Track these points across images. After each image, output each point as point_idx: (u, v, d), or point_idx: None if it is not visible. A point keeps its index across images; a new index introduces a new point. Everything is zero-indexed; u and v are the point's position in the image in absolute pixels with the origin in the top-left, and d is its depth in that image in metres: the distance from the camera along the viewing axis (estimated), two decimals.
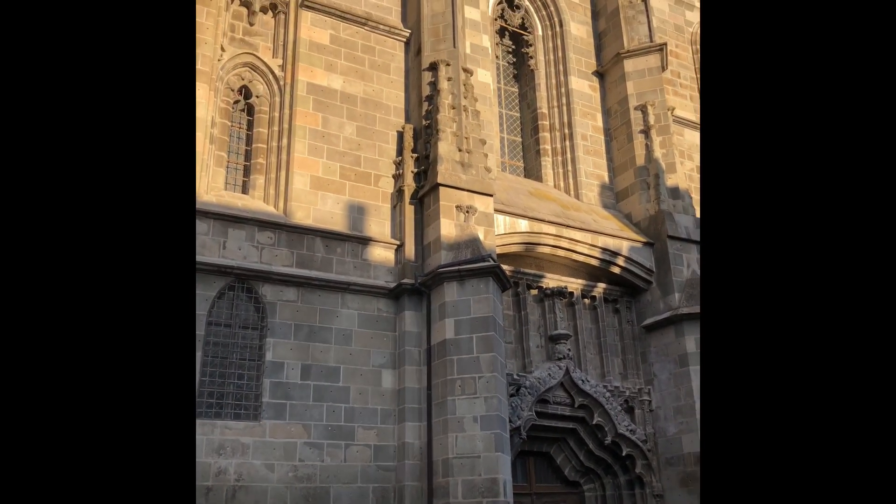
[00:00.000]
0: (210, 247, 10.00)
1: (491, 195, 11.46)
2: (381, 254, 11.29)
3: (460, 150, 11.59)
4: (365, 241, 11.21)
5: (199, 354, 9.40)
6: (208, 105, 10.82)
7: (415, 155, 11.92)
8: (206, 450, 9.02)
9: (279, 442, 9.50)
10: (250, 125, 11.73)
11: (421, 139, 12.07)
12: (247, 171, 11.41)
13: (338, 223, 11.14)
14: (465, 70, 12.48)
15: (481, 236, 10.93)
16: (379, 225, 11.50)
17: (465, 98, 12.13)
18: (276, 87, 11.80)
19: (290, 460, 9.48)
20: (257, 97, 11.78)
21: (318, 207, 11.09)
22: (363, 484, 9.81)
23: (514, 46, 15.41)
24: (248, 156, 11.51)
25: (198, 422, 9.09)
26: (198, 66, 10.89)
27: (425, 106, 12.22)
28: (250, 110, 11.80)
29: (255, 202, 10.98)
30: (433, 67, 12.32)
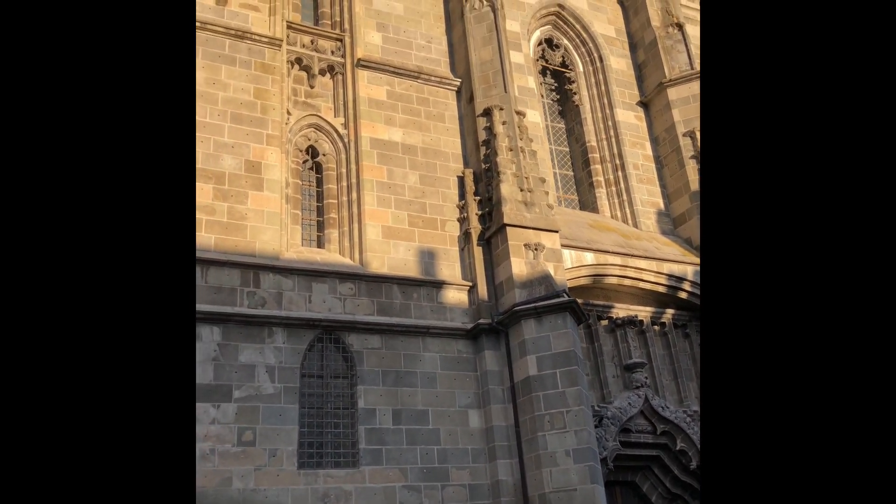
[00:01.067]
0: (297, 302, 10.44)
1: (556, 231, 11.78)
2: (455, 296, 11.64)
3: (522, 190, 11.96)
4: (438, 284, 11.58)
5: (296, 406, 9.77)
6: (281, 167, 11.39)
7: (477, 198, 12.33)
8: (312, 498, 9.33)
9: (379, 487, 9.77)
10: (319, 182, 12.26)
11: (481, 182, 12.49)
12: (320, 226, 11.90)
13: (411, 269, 11.53)
14: (518, 113, 12.94)
15: (552, 272, 11.23)
16: (449, 268, 11.87)
17: (520, 139, 12.57)
18: (340, 144, 12.35)
19: None
20: (324, 155, 12.33)
21: (391, 255, 11.51)
22: None
23: (556, 84, 15.89)
24: (319, 211, 12.01)
25: (301, 472, 9.45)
26: (268, 132, 11.52)
27: (483, 150, 12.66)
28: (318, 168, 12.35)
29: (332, 255, 11.44)
30: (487, 113, 12.79)
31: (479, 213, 12.17)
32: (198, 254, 10.02)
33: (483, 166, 12.53)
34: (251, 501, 9.02)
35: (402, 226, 11.87)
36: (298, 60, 12.51)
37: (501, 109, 12.71)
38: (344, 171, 12.17)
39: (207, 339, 9.64)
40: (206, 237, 10.32)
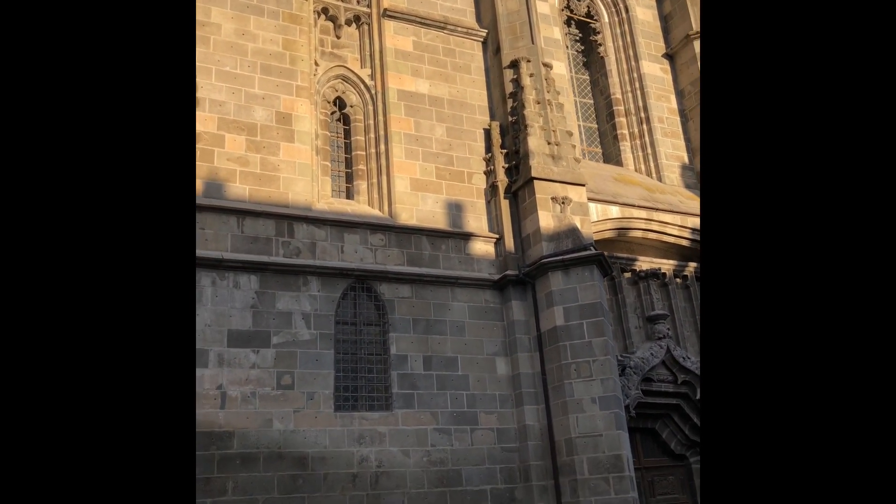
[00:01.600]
0: (330, 251, 10.68)
1: (583, 185, 11.90)
2: (482, 247, 11.85)
3: (549, 144, 12.04)
4: (466, 236, 11.78)
5: (331, 352, 10.10)
6: (311, 119, 11.49)
7: (504, 151, 12.41)
8: (348, 440, 9.74)
9: (411, 429, 10.17)
10: (347, 133, 12.36)
11: (508, 135, 12.55)
12: (349, 178, 12.05)
13: (439, 221, 11.72)
14: (545, 65, 12.92)
15: (578, 225, 11.39)
16: (476, 220, 12.05)
17: (547, 92, 12.58)
18: (367, 95, 12.40)
19: (423, 446, 10.15)
20: (351, 107, 12.39)
21: (419, 207, 11.68)
22: (490, 465, 10.44)
23: (581, 35, 15.76)
24: (347, 163, 12.14)
25: (338, 414, 9.83)
26: (297, 83, 11.57)
27: (510, 103, 12.69)
28: (345, 119, 12.43)
29: (362, 206, 11.62)
30: (514, 65, 12.77)
31: (506, 165, 12.27)
32: (233, 204, 10.25)
33: (510, 119, 12.57)
34: (291, 442, 9.43)
35: (430, 178, 12.00)
36: (325, 10, 12.46)
37: (529, 61, 12.69)
38: (371, 122, 12.25)
39: (245, 288, 9.92)
40: (241, 188, 10.50)
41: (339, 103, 12.38)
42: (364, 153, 12.09)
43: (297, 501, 9.20)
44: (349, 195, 11.90)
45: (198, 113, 10.60)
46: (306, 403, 9.70)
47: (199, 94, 10.71)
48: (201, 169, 10.33)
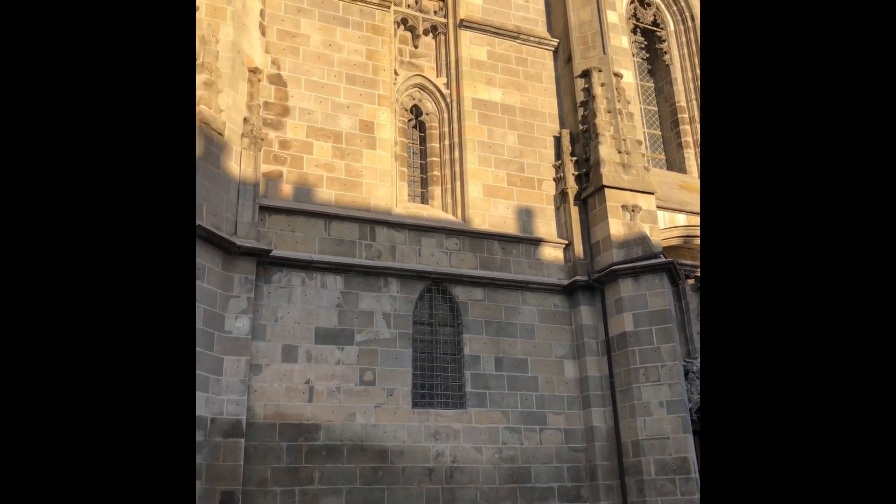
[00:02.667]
0: (408, 254, 11.21)
1: (652, 193, 12.19)
2: (552, 253, 12.25)
3: (620, 152, 12.35)
4: (536, 241, 12.19)
5: (409, 350, 10.65)
6: (391, 126, 12.02)
7: (574, 158, 12.77)
8: (425, 435, 10.28)
9: (484, 427, 10.67)
10: (422, 140, 12.86)
11: (578, 143, 12.90)
12: (423, 183, 12.56)
13: (510, 226, 12.15)
14: (616, 74, 13.20)
15: (648, 233, 11.70)
16: (546, 226, 12.45)
17: (618, 102, 12.87)
18: (443, 104, 12.88)
19: (495, 443, 10.64)
20: (427, 114, 12.89)
21: (491, 213, 12.13)
22: (558, 464, 10.88)
23: (646, 42, 15.96)
24: (422, 168, 12.65)
25: (415, 411, 10.38)
26: (379, 92, 12.12)
27: (580, 111, 13.02)
28: (421, 126, 12.93)
29: (436, 211, 12.12)
30: (586, 74, 13.09)
31: (576, 173, 12.63)
32: (321, 208, 10.86)
33: (580, 127, 12.91)
34: (372, 435, 10.02)
35: (502, 184, 12.44)
36: (404, 21, 12.97)
37: (600, 71, 13.00)
38: (446, 130, 12.73)
39: (332, 288, 10.52)
40: (328, 193, 11.10)
41: (416, 111, 12.89)
42: (438, 159, 12.59)
43: (377, 493, 9.79)
44: (423, 200, 12.41)
45: (288, 121, 11.24)
46: (386, 399, 10.28)
47: (289, 102, 11.34)
48: (292, 174, 10.96)
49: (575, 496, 10.82)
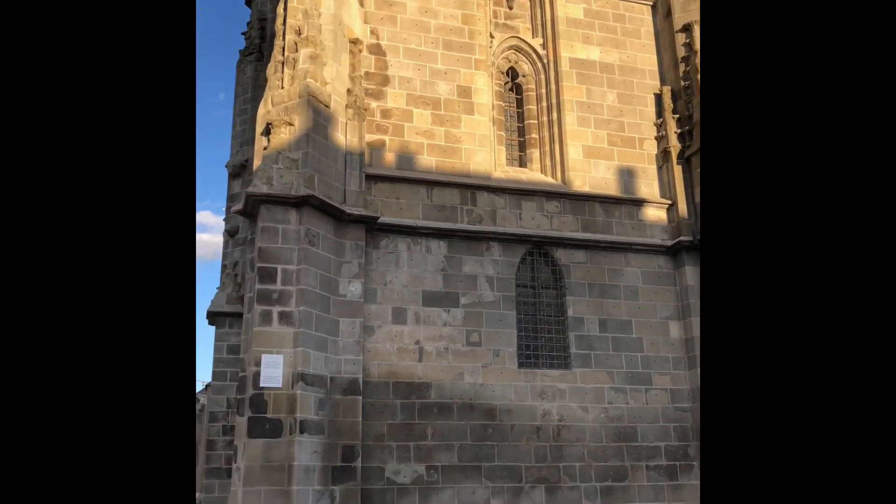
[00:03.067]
0: (509, 218, 11.34)
1: None
2: (654, 213, 12.07)
3: None
4: (638, 202, 12.04)
5: (513, 313, 10.86)
6: (488, 91, 12.07)
7: (676, 116, 12.44)
8: (531, 395, 10.52)
9: (589, 387, 10.80)
10: (519, 103, 12.85)
11: (680, 99, 12.54)
12: (521, 146, 12.59)
13: (611, 188, 12.04)
14: None
15: None
16: (648, 186, 12.26)
17: None
18: (539, 65, 12.79)
19: (600, 403, 10.77)
20: (523, 76, 12.84)
21: (591, 174, 12.05)
22: (664, 423, 10.90)
23: None
24: (520, 131, 12.67)
25: (521, 371, 10.62)
26: (476, 56, 12.15)
27: (682, 67, 12.63)
28: (517, 89, 12.91)
29: (535, 174, 12.15)
30: (687, 28, 12.65)
31: (678, 131, 12.32)
32: (422, 175, 11.11)
33: (682, 84, 12.54)
34: (481, 394, 10.34)
35: (602, 145, 12.30)
36: None
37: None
38: (543, 91, 12.66)
39: (436, 252, 10.82)
40: (428, 160, 11.33)
41: (512, 73, 12.87)
42: (536, 122, 12.56)
43: (487, 448, 10.14)
44: (521, 163, 12.46)
45: (388, 90, 11.49)
46: (492, 360, 10.56)
47: (388, 72, 11.58)
48: (393, 143, 11.25)
49: (682, 455, 10.84)
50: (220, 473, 15.18)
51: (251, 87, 18.24)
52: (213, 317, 16.20)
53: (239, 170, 17.51)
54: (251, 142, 17.51)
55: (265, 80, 18.38)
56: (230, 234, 17.24)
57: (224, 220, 26.54)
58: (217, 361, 15.89)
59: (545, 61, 12.73)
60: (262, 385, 8.86)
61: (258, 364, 8.92)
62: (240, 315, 15.97)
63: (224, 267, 17.10)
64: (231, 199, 17.67)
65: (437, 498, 9.76)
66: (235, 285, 16.61)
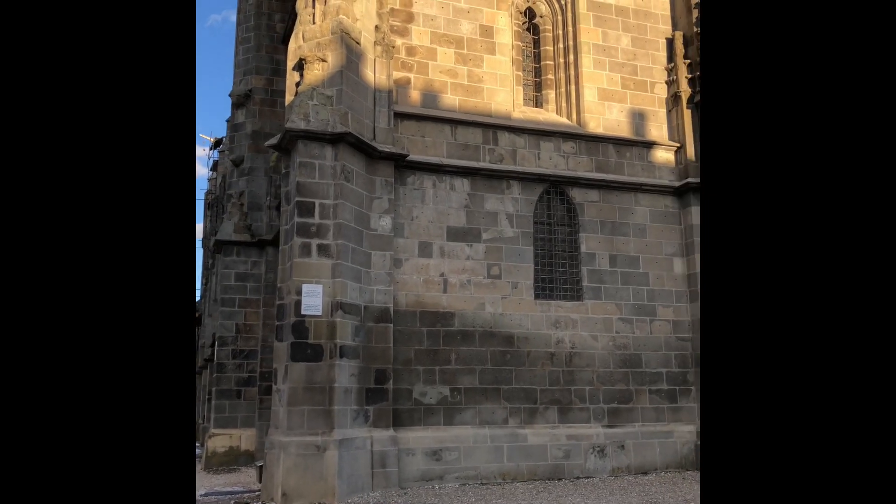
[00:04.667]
0: (528, 158, 11.82)
1: None
2: (663, 156, 12.65)
3: None
4: (648, 144, 12.58)
5: (531, 248, 11.49)
6: (509, 31, 12.31)
7: (687, 61, 12.86)
8: (546, 324, 11.27)
9: (599, 318, 11.59)
10: (536, 44, 13.11)
11: (692, 45, 12.93)
12: (537, 87, 12.93)
13: (623, 130, 12.54)
14: None
15: None
16: (657, 129, 12.78)
17: None
18: (557, 6, 12.99)
19: (609, 332, 11.59)
20: (541, 17, 13.06)
21: (605, 116, 12.51)
22: (666, 351, 11.81)
23: None
24: (536, 72, 12.98)
25: (537, 302, 11.34)
26: None
27: (694, 13, 12.96)
28: (534, 29, 13.14)
29: (551, 115, 12.57)
30: None
31: (689, 76, 12.76)
32: (447, 114, 11.46)
33: (694, 30, 12.90)
34: (500, 323, 11.06)
35: (615, 88, 12.71)
36: None
37: None
38: (560, 33, 12.92)
39: (459, 190, 11.29)
40: (452, 98, 11.65)
41: (529, 14, 13.07)
42: (552, 63, 12.88)
43: (506, 373, 10.94)
44: (537, 104, 12.83)
45: (413, 27, 11.67)
46: (511, 291, 11.23)
47: (413, 9, 11.72)
48: (418, 81, 11.52)
49: (681, 380, 11.81)
50: (230, 394, 15.94)
51: (254, 15, 18.07)
52: (220, 245, 16.58)
53: (243, 99, 17.55)
54: (255, 71, 17.56)
55: (270, 8, 18.22)
56: (234, 163, 17.42)
57: (223, 150, 26.44)
58: (224, 288, 16.40)
59: (562, 3, 12.93)
60: (303, 313, 9.42)
61: (299, 293, 9.44)
62: (246, 244, 16.45)
63: (229, 196, 17.36)
64: (233, 128, 17.77)
65: (461, 417, 10.59)
66: (242, 215, 16.95)
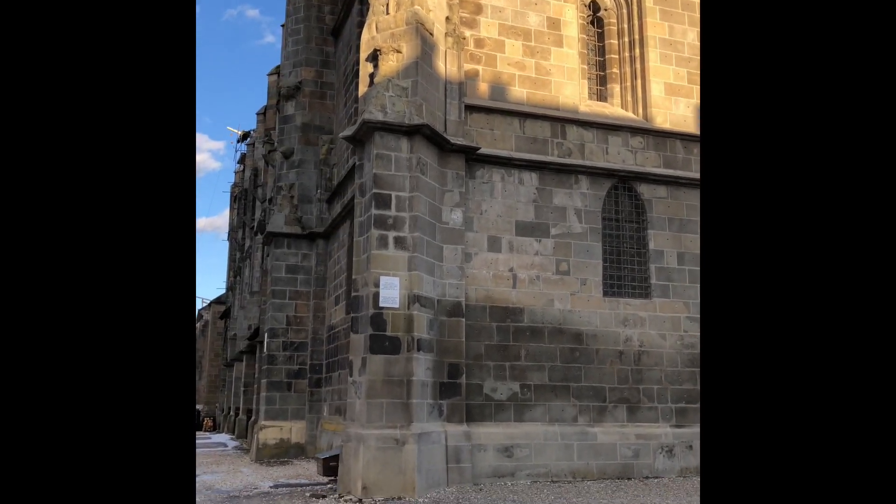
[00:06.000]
0: (595, 152, 11.67)
1: None
2: None
3: None
4: None
5: (599, 244, 11.34)
6: (575, 23, 12.16)
7: None
8: (615, 321, 11.13)
9: (667, 316, 11.44)
10: (599, 37, 12.94)
11: None
12: (601, 81, 12.77)
13: (690, 126, 12.35)
14: None
15: None
16: None
17: None
18: None
19: (677, 331, 11.44)
20: (605, 10, 12.89)
21: (672, 112, 12.33)
22: None
23: None
24: (599, 66, 12.82)
25: (605, 299, 11.20)
26: None
27: None
28: (597, 22, 12.98)
29: (616, 109, 12.40)
30: None
31: None
32: (515, 107, 11.33)
33: None
34: (569, 320, 10.93)
35: (682, 83, 12.52)
36: None
37: None
38: (625, 26, 12.75)
39: (528, 184, 11.17)
40: (519, 91, 11.52)
41: (594, 7, 12.90)
42: (617, 57, 12.71)
43: (575, 371, 10.81)
44: (601, 98, 12.67)
45: (481, 19, 11.54)
46: (580, 288, 11.10)
47: (481, 0, 11.58)
48: (486, 73, 11.39)
49: None
50: (280, 386, 15.93)
51: (303, 7, 18.01)
52: (270, 237, 16.56)
53: (293, 91, 17.52)
54: (304, 63, 17.51)
55: (319, 1, 18.12)
56: (284, 155, 17.38)
57: (270, 141, 26.46)
58: (275, 280, 16.38)
59: None
60: (381, 305, 9.34)
61: (377, 285, 9.36)
62: (297, 236, 16.41)
63: (279, 189, 17.32)
64: (283, 120, 17.73)
65: (531, 414, 10.48)
66: (292, 207, 16.92)
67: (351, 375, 9.58)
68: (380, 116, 9.68)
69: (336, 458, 11.53)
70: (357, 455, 8.90)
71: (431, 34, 10.48)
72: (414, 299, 9.47)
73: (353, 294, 9.84)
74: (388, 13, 10.43)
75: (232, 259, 45.20)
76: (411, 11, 10.22)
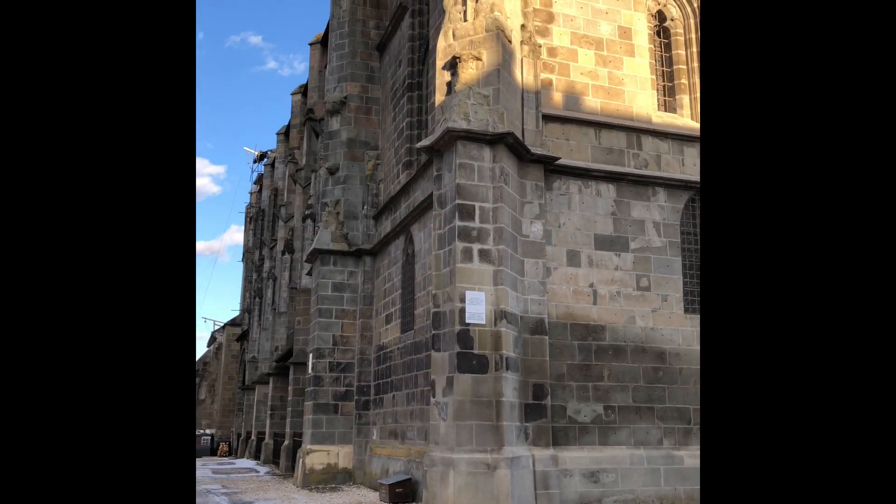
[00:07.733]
0: (672, 164, 11.27)
1: None
2: None
3: None
4: None
5: (679, 258, 10.90)
6: (646, 33, 11.84)
7: None
8: (697, 340, 10.62)
9: None
10: (666, 47, 12.62)
11: None
12: (668, 91, 12.42)
13: None
14: None
15: None
16: None
17: None
18: (689, 9, 12.52)
19: None
20: (672, 20, 12.59)
21: None
22: None
23: None
24: (667, 76, 12.48)
25: (687, 316, 10.72)
26: None
27: None
28: (663, 32, 12.67)
29: (687, 121, 12.02)
30: None
31: None
32: (590, 117, 10.95)
33: None
34: (651, 338, 10.45)
35: None
36: None
37: None
38: (693, 37, 12.43)
39: (605, 196, 10.76)
40: (593, 101, 11.16)
41: (660, 16, 12.60)
42: (685, 67, 12.37)
43: (659, 391, 10.30)
44: (669, 108, 12.31)
45: (553, 28, 11.22)
46: (661, 304, 10.63)
47: (553, 9, 11.28)
48: (560, 82, 11.04)
49: None
50: (326, 409, 15.37)
51: (348, 22, 17.76)
52: (316, 254, 16.11)
53: (338, 106, 17.19)
54: (349, 78, 17.21)
55: (364, 15, 17.89)
56: (330, 171, 17.00)
57: (294, 161, 26.17)
58: (321, 299, 15.88)
59: (694, 7, 12.46)
60: (467, 321, 8.86)
61: (462, 300, 8.90)
62: (343, 253, 15.96)
63: (324, 205, 16.91)
64: (328, 135, 17.38)
65: (615, 437, 9.95)
66: (338, 224, 16.50)
67: (434, 396, 9.07)
68: (463, 125, 9.29)
69: (403, 483, 10.97)
70: (446, 481, 8.37)
71: (510, 42, 10.14)
72: (501, 315, 9.00)
73: (433, 310, 9.37)
74: (466, 20, 10.10)
75: (248, 280, 44.70)
76: (491, 18, 9.90)
